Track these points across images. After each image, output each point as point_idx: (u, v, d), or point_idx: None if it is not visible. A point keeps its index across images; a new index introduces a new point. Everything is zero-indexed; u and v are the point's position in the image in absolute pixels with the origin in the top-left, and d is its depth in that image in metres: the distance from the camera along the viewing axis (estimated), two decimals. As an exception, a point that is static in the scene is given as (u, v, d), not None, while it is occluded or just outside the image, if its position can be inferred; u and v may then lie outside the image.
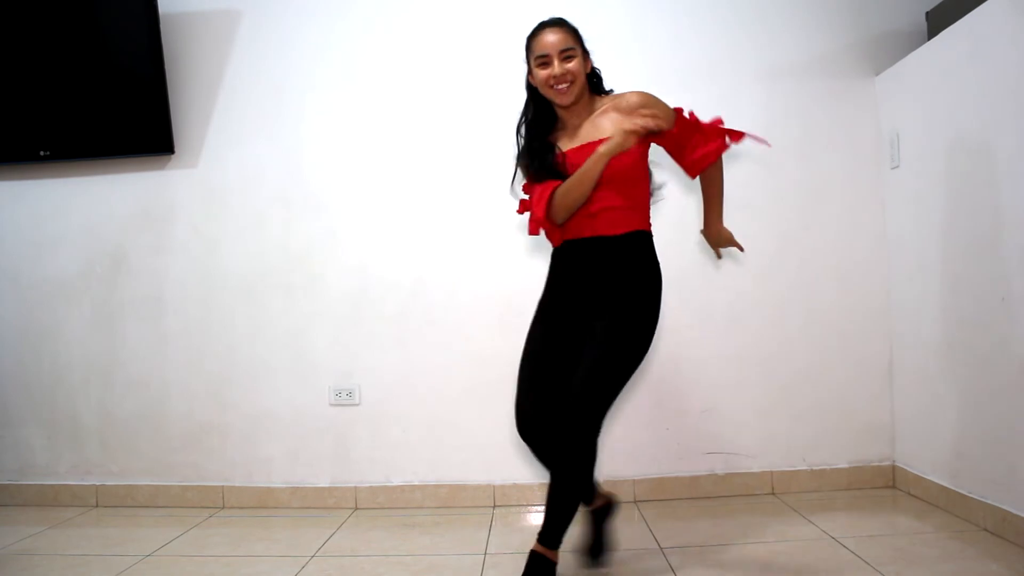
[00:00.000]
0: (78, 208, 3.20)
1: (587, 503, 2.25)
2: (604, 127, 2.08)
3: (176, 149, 3.13)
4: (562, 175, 2.07)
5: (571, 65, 2.06)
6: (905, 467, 2.91)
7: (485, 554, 2.45)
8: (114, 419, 3.18)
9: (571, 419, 1.99)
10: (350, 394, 3.08)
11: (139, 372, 3.17)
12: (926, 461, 2.78)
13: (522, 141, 2.18)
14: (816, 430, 3.00)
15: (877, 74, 3.01)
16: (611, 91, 2.21)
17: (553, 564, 2.00)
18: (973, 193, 2.47)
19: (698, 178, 2.27)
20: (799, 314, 3.01)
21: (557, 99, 2.09)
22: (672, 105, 2.14)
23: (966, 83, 2.48)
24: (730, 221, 3.00)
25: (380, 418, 3.08)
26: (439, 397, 3.05)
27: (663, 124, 2.03)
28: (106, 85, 3.07)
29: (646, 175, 2.15)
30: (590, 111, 2.15)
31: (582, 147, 2.08)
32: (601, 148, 2.00)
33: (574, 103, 2.11)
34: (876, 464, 3.00)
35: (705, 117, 2.16)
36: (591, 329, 2.08)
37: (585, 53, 2.13)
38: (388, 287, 3.07)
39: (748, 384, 3.01)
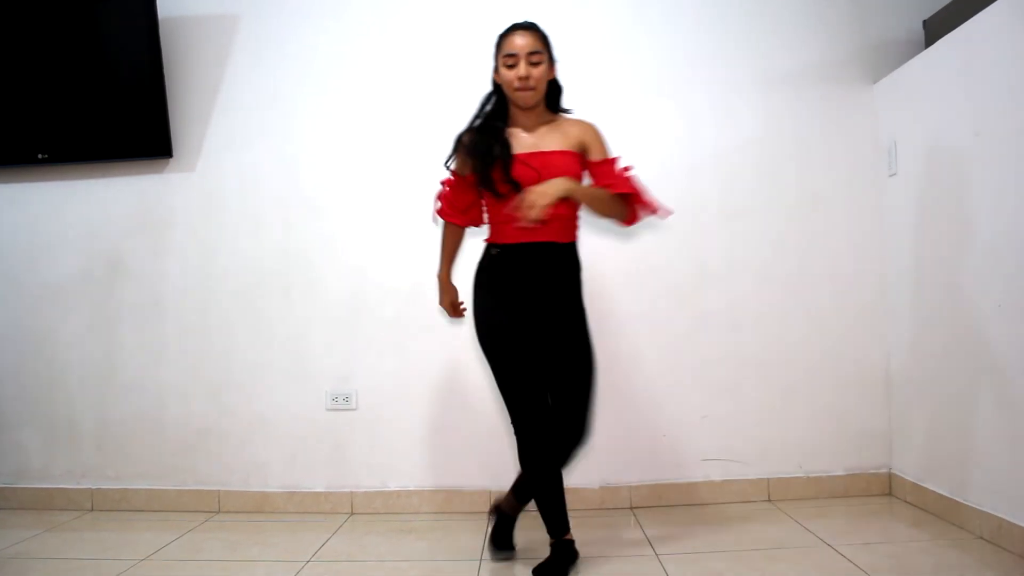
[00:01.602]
0: (76, 211, 3.20)
1: (522, 502, 2.40)
2: (552, 140, 2.21)
3: (174, 152, 3.13)
4: (504, 171, 2.15)
5: (536, 71, 2.16)
6: (902, 475, 2.91)
7: (481, 560, 2.44)
8: (110, 423, 3.17)
9: (579, 424, 2.23)
10: (347, 399, 3.07)
11: (136, 376, 3.16)
12: (923, 469, 2.78)
13: (473, 136, 2.25)
14: (813, 437, 3.00)
15: (875, 82, 3.01)
16: (569, 111, 2.33)
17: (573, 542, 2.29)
18: (970, 201, 2.47)
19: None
20: (796, 321, 3.02)
21: (519, 100, 2.20)
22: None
23: (963, 91, 2.49)
24: (729, 228, 3.04)
25: (377, 423, 3.07)
26: (436, 402, 3.05)
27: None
28: (105, 88, 3.07)
29: None
30: (542, 120, 2.26)
31: (532, 154, 2.17)
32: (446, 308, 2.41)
33: (533, 107, 2.21)
34: (873, 472, 3.00)
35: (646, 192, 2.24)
36: (556, 333, 2.22)
37: (551, 60, 2.23)
38: (386, 292, 3.07)
39: (745, 391, 3.01)
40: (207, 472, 3.12)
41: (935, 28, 2.79)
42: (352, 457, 3.07)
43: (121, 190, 3.18)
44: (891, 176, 2.94)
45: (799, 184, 3.03)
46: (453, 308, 2.46)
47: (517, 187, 2.13)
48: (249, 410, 3.11)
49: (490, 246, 2.28)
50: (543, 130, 2.24)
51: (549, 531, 2.26)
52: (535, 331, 2.21)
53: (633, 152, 3.01)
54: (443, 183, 2.35)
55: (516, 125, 2.25)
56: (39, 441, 3.21)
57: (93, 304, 3.19)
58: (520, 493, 2.38)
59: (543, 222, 2.10)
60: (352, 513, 3.03)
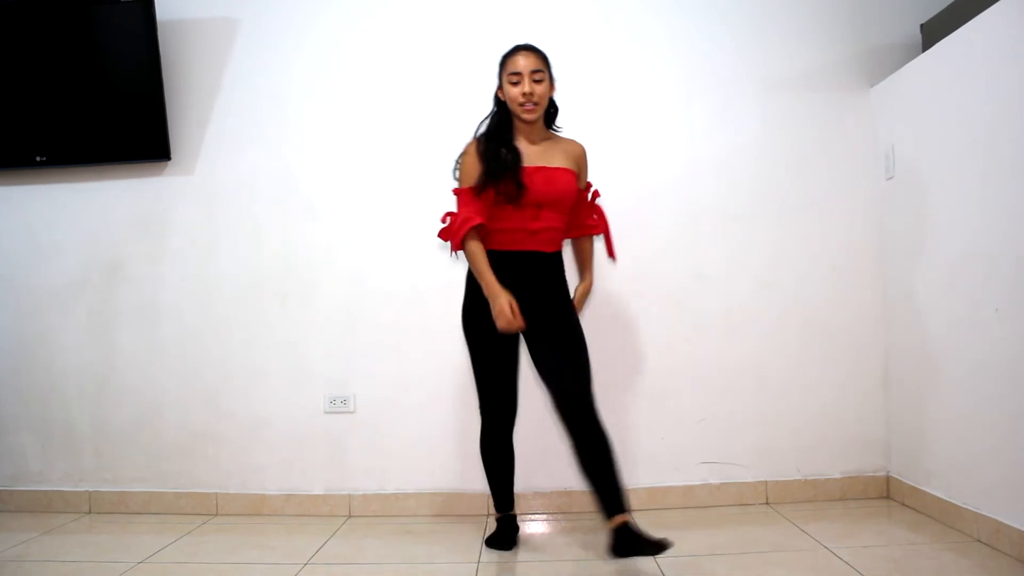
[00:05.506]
0: (74, 214, 3.20)
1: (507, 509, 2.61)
2: (554, 156, 2.41)
3: (173, 156, 3.13)
4: (517, 182, 2.31)
5: (540, 88, 2.35)
6: (899, 478, 2.92)
7: (479, 563, 2.44)
8: (108, 426, 3.17)
9: (588, 406, 2.26)
10: (345, 402, 3.07)
11: (133, 380, 3.16)
12: (921, 472, 2.78)
13: (482, 144, 2.39)
14: (811, 440, 3.01)
15: (873, 86, 3.02)
16: (559, 129, 2.53)
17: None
18: (967, 204, 2.47)
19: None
20: (795, 324, 3.02)
21: (524, 115, 2.36)
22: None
23: (960, 94, 2.49)
24: (726, 232, 3.05)
25: (375, 426, 3.07)
26: (434, 405, 3.05)
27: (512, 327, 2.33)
28: (104, 90, 3.07)
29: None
30: (543, 136, 2.46)
31: (539, 168, 2.36)
32: (505, 309, 2.27)
33: (535, 122, 2.39)
34: (870, 475, 3.00)
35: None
36: (544, 327, 2.38)
37: (551, 79, 2.41)
38: (383, 295, 3.07)
39: (743, 394, 3.01)
40: (205, 475, 3.12)
41: (932, 32, 2.80)
42: (350, 460, 3.07)
43: (120, 193, 3.18)
44: (888, 180, 2.94)
45: (797, 188, 3.03)
46: (511, 308, 2.29)
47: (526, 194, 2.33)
48: (247, 413, 3.11)
49: (487, 251, 2.40)
50: (546, 144, 2.43)
51: (496, 507, 2.61)
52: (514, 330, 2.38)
53: (632, 157, 3.05)
54: (458, 197, 2.40)
55: (520, 139, 2.41)
56: (37, 444, 3.21)
57: (91, 307, 3.19)
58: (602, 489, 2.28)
59: (533, 233, 2.37)
60: (350, 516, 3.03)
